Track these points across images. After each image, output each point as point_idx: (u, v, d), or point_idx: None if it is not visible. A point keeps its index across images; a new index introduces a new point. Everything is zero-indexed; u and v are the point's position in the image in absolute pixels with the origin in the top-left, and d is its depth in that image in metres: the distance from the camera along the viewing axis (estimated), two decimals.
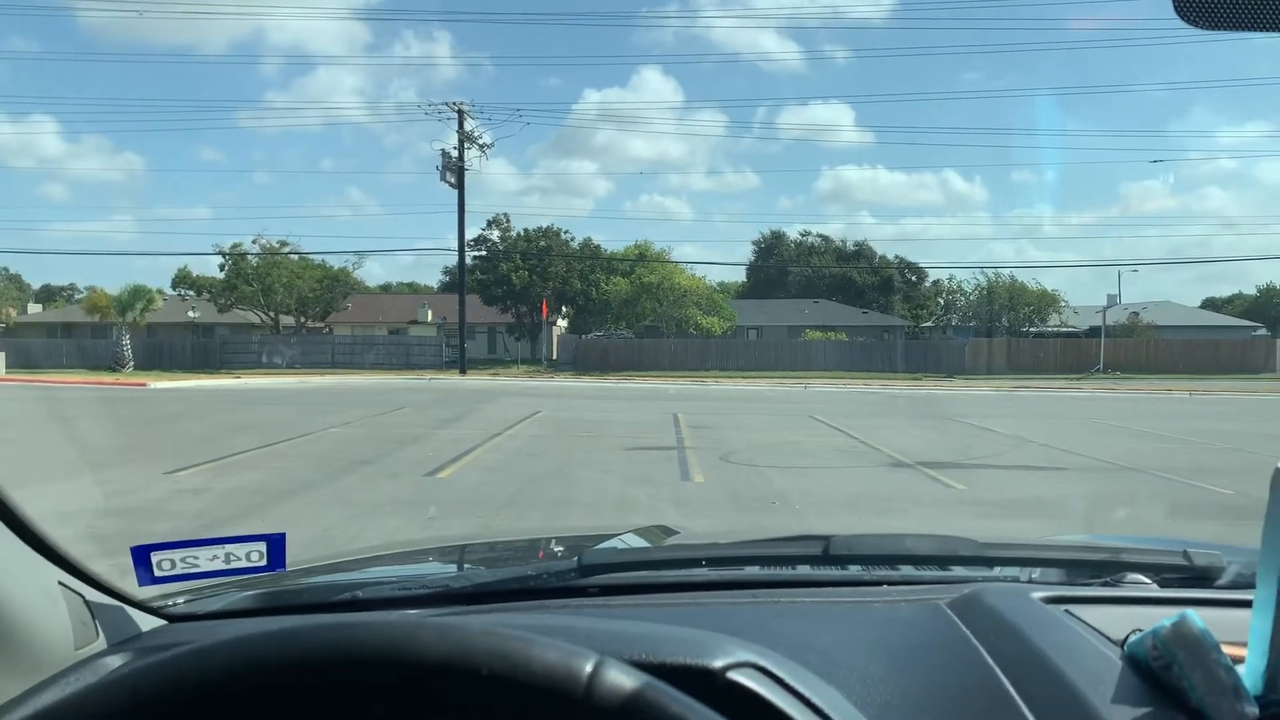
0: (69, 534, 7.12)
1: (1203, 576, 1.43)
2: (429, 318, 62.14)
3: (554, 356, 55.89)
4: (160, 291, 50.19)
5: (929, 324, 66.97)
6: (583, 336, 55.76)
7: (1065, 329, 56.98)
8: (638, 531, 2.19)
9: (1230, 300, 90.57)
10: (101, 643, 1.16)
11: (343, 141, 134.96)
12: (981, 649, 1.09)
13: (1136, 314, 57.78)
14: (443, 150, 46.55)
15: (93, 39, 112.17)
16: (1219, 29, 0.72)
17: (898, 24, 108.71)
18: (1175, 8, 0.70)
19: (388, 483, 10.18)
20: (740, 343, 55.23)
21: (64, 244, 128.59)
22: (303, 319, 58.21)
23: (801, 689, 0.85)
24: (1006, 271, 60.30)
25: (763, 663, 0.85)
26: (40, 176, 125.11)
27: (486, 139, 48.39)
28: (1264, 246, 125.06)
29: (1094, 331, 52.99)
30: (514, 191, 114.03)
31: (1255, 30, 0.72)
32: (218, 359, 51.83)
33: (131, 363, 46.59)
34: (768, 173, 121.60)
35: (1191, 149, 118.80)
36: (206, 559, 1.28)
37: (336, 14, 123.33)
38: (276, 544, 1.33)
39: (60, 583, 1.13)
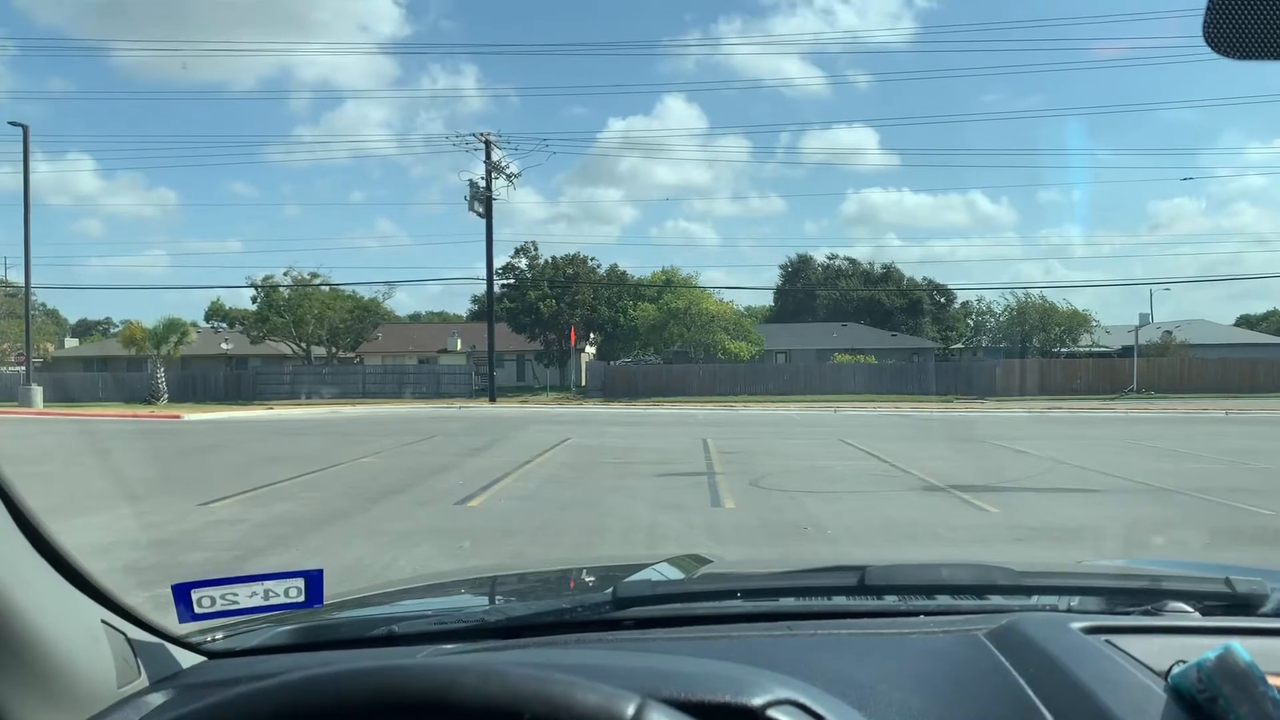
0: (106, 566, 7.19)
1: (1246, 604, 1.41)
2: (458, 346, 62.49)
3: (582, 383, 55.94)
4: (194, 324, 50.93)
5: (959, 346, 66.55)
6: (611, 363, 55.83)
7: (1097, 349, 56.40)
8: (671, 561, 2.19)
9: (1265, 317, 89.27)
10: (143, 680, 1.18)
11: (371, 174, 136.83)
12: (1022, 681, 1.07)
13: (1170, 333, 57.06)
14: (470, 180, 47.05)
15: (125, 77, 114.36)
16: (1250, 59, 0.72)
17: (920, 47, 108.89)
18: (1206, 39, 0.70)
19: (419, 511, 10.21)
20: (769, 367, 55.07)
21: (99, 279, 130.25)
22: (334, 349, 58.74)
23: None
24: (1036, 292, 59.90)
25: (802, 699, 0.85)
26: (76, 213, 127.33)
27: (513, 168, 48.89)
28: None
29: (1126, 351, 52.41)
30: (540, 220, 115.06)
31: None
32: (250, 390, 52.32)
33: (166, 395, 47.17)
34: (793, 197, 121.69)
35: (1223, 166, 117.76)
36: (246, 595, 1.29)
37: (364, 49, 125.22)
38: (315, 580, 1.34)
39: (103, 620, 1.15)
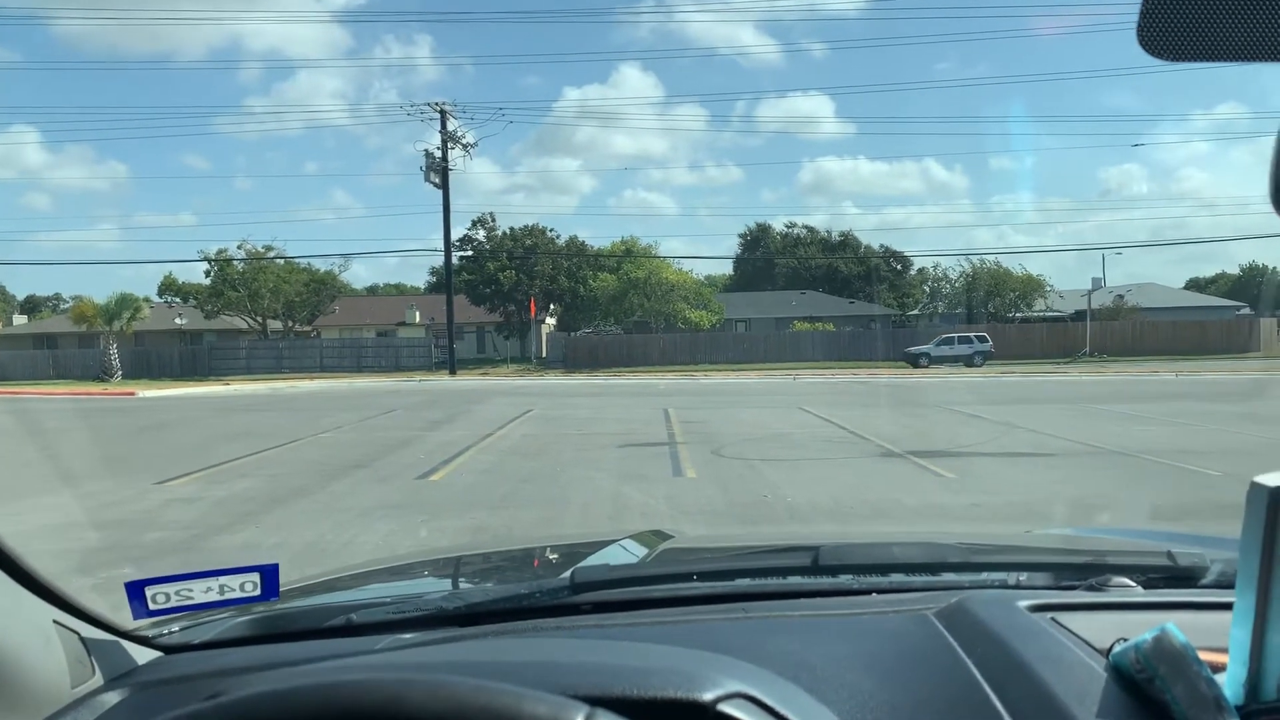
0: (59, 548, 7.09)
1: (1186, 577, 1.45)
2: (417, 319, 62.01)
3: (543, 354, 55.84)
4: (147, 299, 49.91)
5: (915, 312, 67.17)
6: (571, 334, 55.75)
7: (1051, 313, 57.24)
8: (633, 537, 2.20)
9: (1214, 280, 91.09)
10: (99, 679, 1.17)
11: (325, 145, 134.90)
12: (968, 660, 1.10)
13: (1121, 297, 58.05)
14: (426, 151, 46.51)
15: (71, 48, 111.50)
16: (1183, 60, 0.73)
17: (872, 15, 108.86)
18: (1140, 42, 0.72)
19: (380, 487, 10.17)
20: (729, 336, 55.28)
21: (48, 254, 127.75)
22: (290, 323, 58.06)
23: (791, 716, 0.86)
24: (991, 257, 60.57)
25: (753, 692, 0.86)
26: (22, 187, 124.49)
27: (470, 138, 48.39)
28: (1244, 226, 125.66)
29: (1079, 315, 53.24)
30: (498, 190, 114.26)
31: (1220, 60, 0.73)
32: (206, 366, 51.65)
33: (119, 372, 46.39)
34: (751, 166, 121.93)
35: (1172, 132, 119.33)
36: (201, 591, 1.29)
37: (315, 18, 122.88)
38: (270, 574, 1.33)
39: (54, 620, 1.14)
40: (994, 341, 46.51)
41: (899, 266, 77.17)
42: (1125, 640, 1.01)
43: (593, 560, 2.00)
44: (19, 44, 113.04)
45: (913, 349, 45.76)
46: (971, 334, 46.03)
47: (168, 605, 1.27)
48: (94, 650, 1.19)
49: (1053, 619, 1.19)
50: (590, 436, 15.03)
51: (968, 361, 43.41)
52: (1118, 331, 51.19)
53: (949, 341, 45.18)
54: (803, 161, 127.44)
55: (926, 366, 42.21)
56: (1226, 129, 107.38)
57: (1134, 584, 1.41)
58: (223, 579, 1.30)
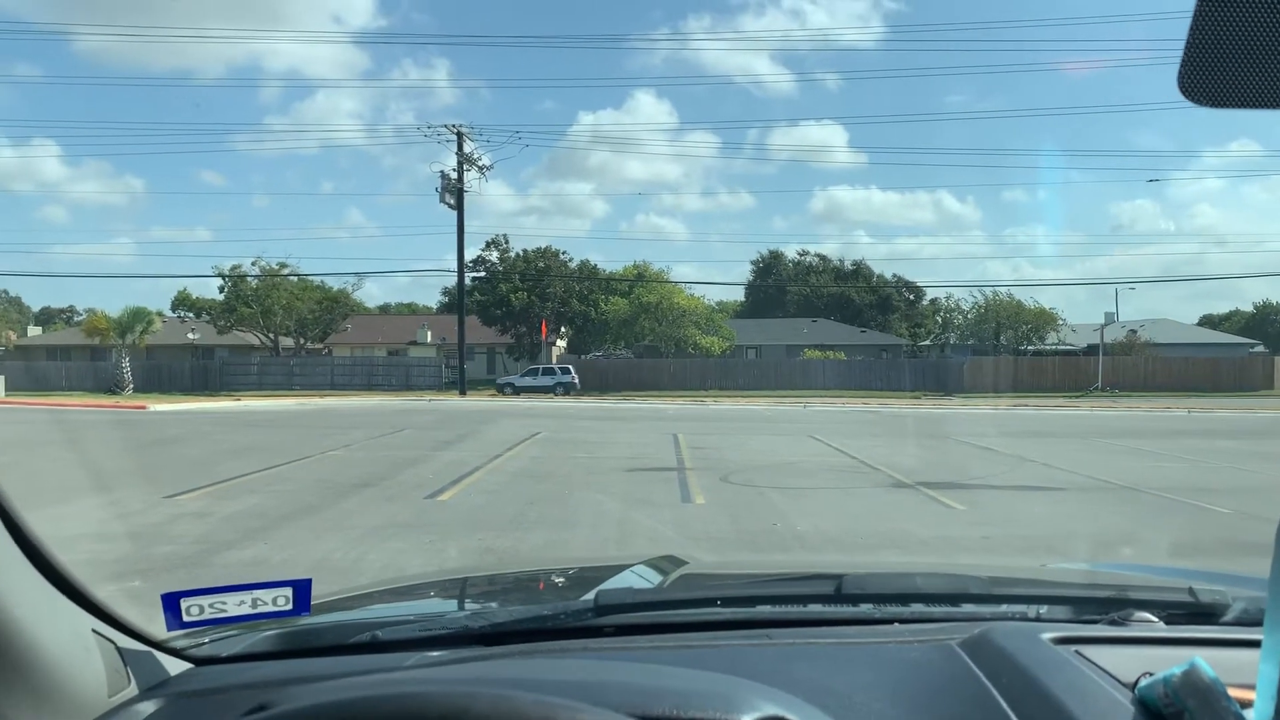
0: (70, 559, 7.09)
1: (1209, 613, 1.45)
2: (428, 338, 62.18)
3: None
4: (160, 314, 50.22)
5: (927, 343, 67.05)
6: (582, 357, 55.79)
7: (1063, 347, 57.04)
8: (648, 563, 2.21)
9: (1228, 317, 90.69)
10: (133, 689, 1.18)
11: (342, 164, 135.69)
12: (995, 691, 1.11)
13: (1134, 332, 57.82)
14: (442, 172, 46.78)
15: (92, 63, 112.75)
16: (1225, 107, 0.75)
17: (889, 47, 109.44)
18: (1181, 89, 0.74)
19: (389, 505, 10.18)
20: (739, 362, 55.26)
21: (64, 266, 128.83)
22: (302, 340, 58.25)
23: None
24: (1004, 290, 60.49)
25: (789, 716, 0.87)
26: (41, 199, 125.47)
27: (485, 160, 48.73)
28: (1259, 263, 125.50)
29: (1092, 349, 53.06)
30: (512, 212, 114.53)
31: (1261, 107, 0.75)
32: (217, 381, 51.81)
33: (131, 385, 46.59)
34: (764, 193, 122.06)
35: (1186, 169, 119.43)
36: (234, 604, 1.30)
37: (335, 39, 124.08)
38: (303, 589, 1.35)
39: (93, 630, 1.15)
40: (1007, 374, 46.47)
41: (911, 296, 77.15)
42: (1151, 674, 1.02)
43: (610, 584, 2.01)
44: (41, 60, 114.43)
45: (500, 379, 50.17)
46: (556, 367, 49.80)
47: (201, 618, 1.29)
48: (129, 660, 1.20)
49: (1076, 651, 1.20)
50: (599, 460, 15.03)
51: (552, 391, 46.61)
52: (1130, 366, 51.00)
53: (534, 373, 49.04)
54: (816, 190, 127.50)
55: (513, 395, 45.29)
56: (1240, 166, 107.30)
57: (1156, 619, 1.41)
58: (256, 592, 1.32)
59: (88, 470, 13.83)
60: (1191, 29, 0.73)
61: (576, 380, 48.09)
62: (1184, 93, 0.74)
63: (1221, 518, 9.83)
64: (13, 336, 68.28)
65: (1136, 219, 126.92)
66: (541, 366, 50.29)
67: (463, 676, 1.18)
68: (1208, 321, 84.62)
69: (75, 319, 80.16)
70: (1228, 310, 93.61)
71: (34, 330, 76.03)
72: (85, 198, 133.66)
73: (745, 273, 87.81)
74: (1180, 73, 0.73)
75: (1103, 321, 58.19)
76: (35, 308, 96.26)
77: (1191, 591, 1.49)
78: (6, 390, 41.33)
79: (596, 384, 50.17)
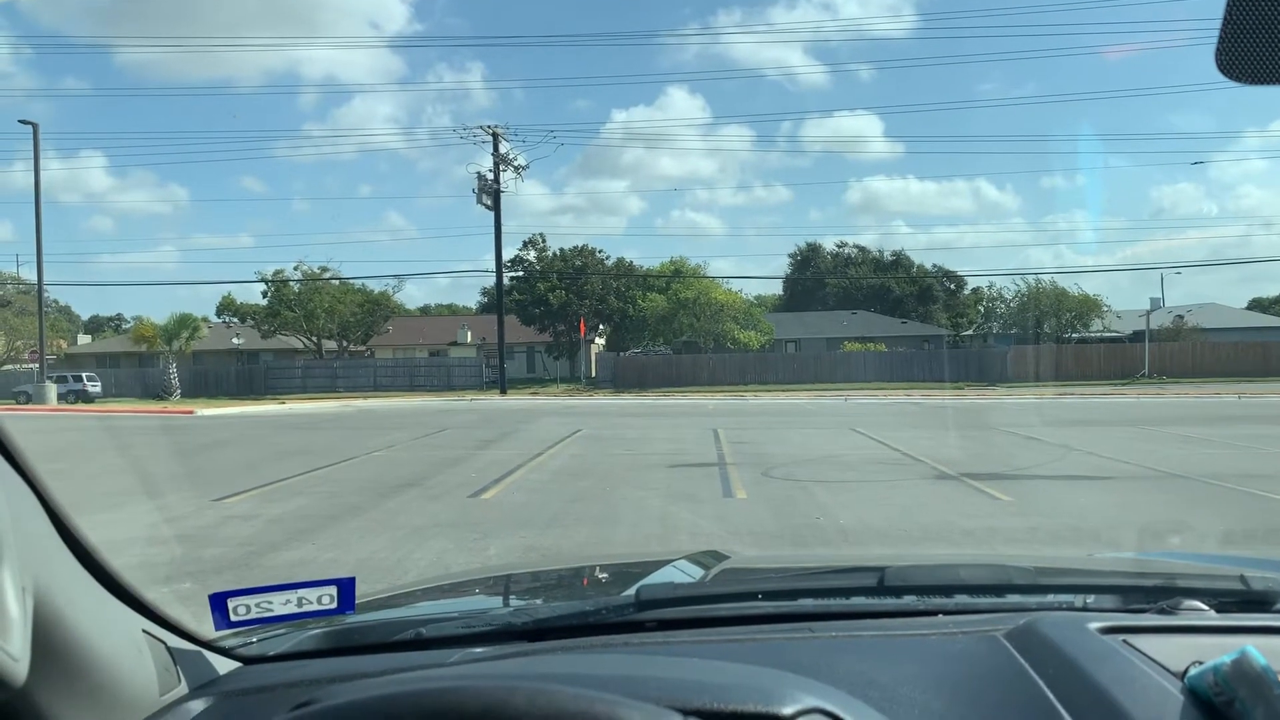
0: (121, 562, 7.23)
1: (1261, 601, 1.42)
2: (468, 339, 62.57)
3: (592, 374, 55.98)
4: (205, 319, 51.06)
5: (969, 332, 66.38)
6: (620, 354, 55.83)
7: (1108, 334, 56.18)
8: (689, 558, 2.21)
9: (1278, 300, 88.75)
10: (184, 688, 1.21)
11: (380, 168, 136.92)
12: (1041, 682, 1.09)
13: (1181, 317, 56.79)
14: (478, 173, 47.02)
15: (135, 75, 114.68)
16: (1261, 84, 0.74)
17: (922, 35, 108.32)
18: (1219, 67, 0.72)
19: (432, 505, 10.27)
20: (779, 356, 55.03)
21: (112, 275, 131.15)
22: (344, 343, 58.88)
23: None
24: (1047, 277, 59.59)
25: (830, 707, 0.87)
26: (88, 210, 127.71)
27: (521, 160, 48.87)
28: None
29: (1137, 336, 52.22)
30: (548, 211, 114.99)
31: None
32: (262, 384, 52.54)
33: (178, 390, 47.42)
34: (800, 185, 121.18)
35: (1229, 150, 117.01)
36: (280, 603, 1.32)
37: (371, 45, 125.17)
38: (347, 588, 1.37)
39: (144, 630, 1.18)
40: (1051, 362, 45.86)
41: (952, 286, 76.38)
42: (1200, 663, 1.00)
43: (651, 579, 2.01)
44: (87, 72, 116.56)
45: (16, 389, 46.41)
46: (83, 375, 47.80)
47: (248, 617, 1.31)
48: (179, 659, 1.23)
49: (1124, 641, 1.18)
50: (639, 456, 15.05)
51: (66, 400, 44.27)
52: (1177, 353, 50.09)
53: (62, 380, 46.74)
54: (852, 181, 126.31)
55: (26, 403, 42.60)
56: None
57: (1206, 607, 1.39)
58: (301, 591, 1.34)
59: (138, 475, 14.08)
60: (1228, 5, 0.72)
61: (99, 388, 46.91)
62: (1222, 70, 0.73)
63: (1275, 504, 9.64)
64: (63, 345, 69.66)
65: (1179, 202, 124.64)
66: (71, 375, 48.36)
67: (504, 672, 1.19)
68: (1257, 305, 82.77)
69: (123, 327, 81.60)
70: (1277, 293, 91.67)
71: (83, 339, 77.55)
72: (131, 207, 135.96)
73: (783, 266, 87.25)
74: (1218, 50, 0.72)
75: (1148, 307, 57.24)
76: (85, 316, 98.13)
77: (1243, 579, 1.46)
78: (58, 398, 42.18)
79: (635, 381, 50.20)
